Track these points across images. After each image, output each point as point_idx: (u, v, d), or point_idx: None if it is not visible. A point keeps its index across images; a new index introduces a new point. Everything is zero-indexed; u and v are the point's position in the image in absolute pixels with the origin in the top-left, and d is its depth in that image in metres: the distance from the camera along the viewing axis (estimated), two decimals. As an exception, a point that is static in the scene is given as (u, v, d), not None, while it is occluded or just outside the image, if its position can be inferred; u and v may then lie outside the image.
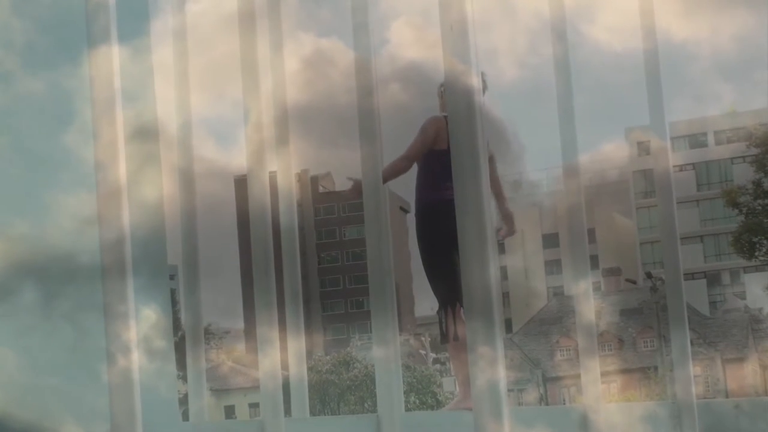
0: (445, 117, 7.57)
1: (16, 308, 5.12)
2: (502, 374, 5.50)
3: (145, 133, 5.49)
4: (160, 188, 5.59)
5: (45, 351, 5.15)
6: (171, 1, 7.05)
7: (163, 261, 5.68)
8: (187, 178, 7.06)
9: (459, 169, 5.69)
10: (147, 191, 5.47)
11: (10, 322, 5.12)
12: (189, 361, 7.07)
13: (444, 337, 7.54)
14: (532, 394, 68.63)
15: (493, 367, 5.47)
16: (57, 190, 5.27)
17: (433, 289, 7.62)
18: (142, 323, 5.33)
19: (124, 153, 5.27)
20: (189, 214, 7.06)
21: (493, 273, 5.59)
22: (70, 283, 5.18)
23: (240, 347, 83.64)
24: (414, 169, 7.76)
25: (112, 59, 5.31)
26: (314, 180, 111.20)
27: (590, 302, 6.34)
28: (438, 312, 7.57)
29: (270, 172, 6.56)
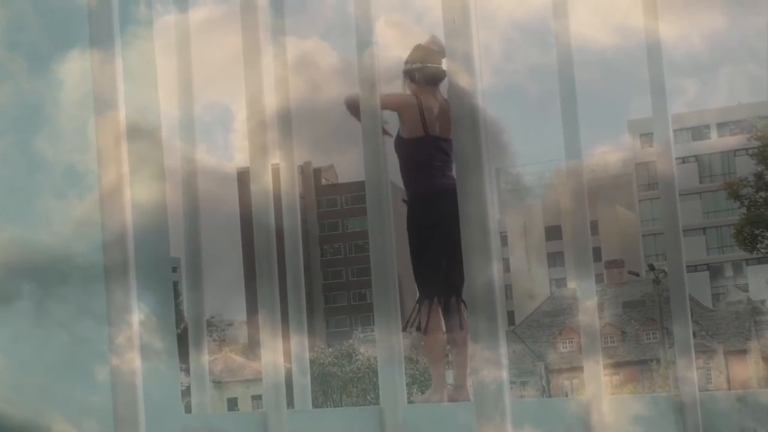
0: (416, 96, 7.46)
1: (9, 310, 5.13)
2: (504, 368, 5.50)
3: (144, 131, 5.49)
4: (162, 182, 5.60)
5: (39, 352, 5.16)
6: (166, 4, 7.06)
7: (166, 254, 5.68)
8: (188, 172, 7.05)
9: (462, 163, 5.69)
10: (148, 186, 5.48)
11: (3, 324, 5.13)
12: (191, 353, 7.07)
13: (424, 328, 7.43)
14: (534, 387, 68.66)
15: (495, 360, 5.47)
16: (47, 194, 5.27)
17: (417, 279, 7.54)
18: (145, 316, 5.33)
19: (124, 150, 5.28)
20: (191, 206, 7.06)
21: (496, 267, 5.59)
22: (63, 285, 5.18)
23: (242, 339, 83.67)
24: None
25: (114, 61, 5.33)
26: (317, 172, 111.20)
27: (592, 295, 6.33)
28: (419, 302, 7.48)
29: (272, 165, 6.56)
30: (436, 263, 7.42)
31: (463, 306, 7.45)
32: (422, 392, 7.41)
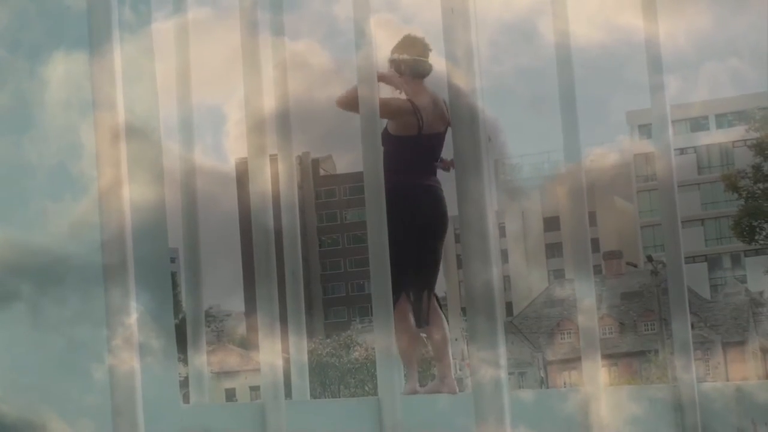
0: (410, 101, 7.35)
1: (6, 311, 5.13)
2: (503, 368, 5.51)
3: (142, 132, 5.49)
4: (160, 182, 5.59)
5: (36, 352, 5.17)
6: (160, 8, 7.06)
7: (165, 253, 5.68)
8: (185, 171, 7.04)
9: (461, 164, 5.70)
10: (146, 186, 5.48)
11: (1, 324, 5.14)
12: (190, 349, 7.06)
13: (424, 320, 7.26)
14: (532, 378, 68.71)
15: (494, 361, 5.48)
16: (44, 195, 5.26)
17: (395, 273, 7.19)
18: (143, 315, 5.34)
19: (122, 151, 5.28)
20: (189, 202, 7.06)
21: (495, 269, 5.59)
22: (60, 286, 5.18)
23: (240, 330, 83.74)
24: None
25: (112, 60, 5.33)
26: (315, 163, 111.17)
27: (591, 294, 6.33)
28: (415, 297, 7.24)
29: (270, 155, 6.56)
30: (406, 258, 7.23)
31: (436, 301, 7.35)
32: (422, 385, 7.35)
